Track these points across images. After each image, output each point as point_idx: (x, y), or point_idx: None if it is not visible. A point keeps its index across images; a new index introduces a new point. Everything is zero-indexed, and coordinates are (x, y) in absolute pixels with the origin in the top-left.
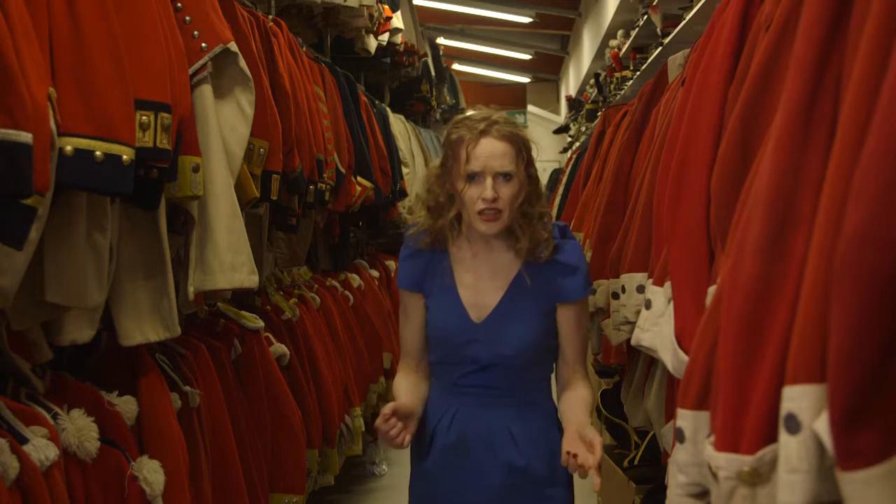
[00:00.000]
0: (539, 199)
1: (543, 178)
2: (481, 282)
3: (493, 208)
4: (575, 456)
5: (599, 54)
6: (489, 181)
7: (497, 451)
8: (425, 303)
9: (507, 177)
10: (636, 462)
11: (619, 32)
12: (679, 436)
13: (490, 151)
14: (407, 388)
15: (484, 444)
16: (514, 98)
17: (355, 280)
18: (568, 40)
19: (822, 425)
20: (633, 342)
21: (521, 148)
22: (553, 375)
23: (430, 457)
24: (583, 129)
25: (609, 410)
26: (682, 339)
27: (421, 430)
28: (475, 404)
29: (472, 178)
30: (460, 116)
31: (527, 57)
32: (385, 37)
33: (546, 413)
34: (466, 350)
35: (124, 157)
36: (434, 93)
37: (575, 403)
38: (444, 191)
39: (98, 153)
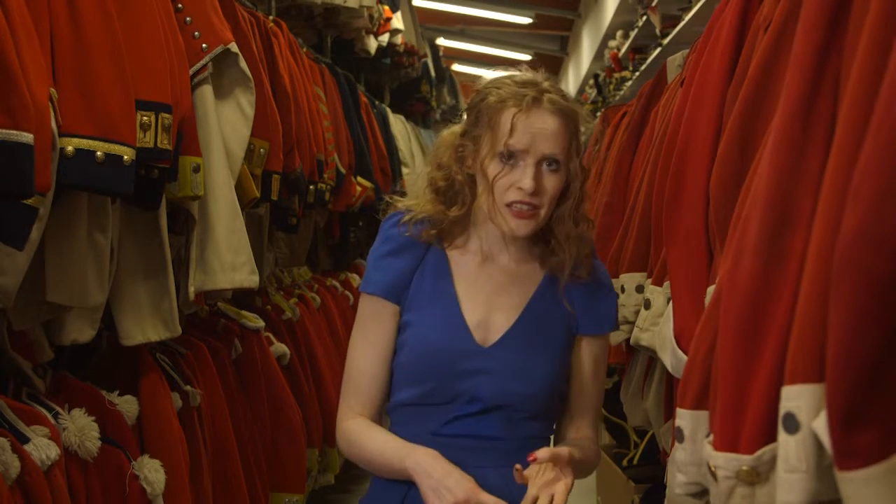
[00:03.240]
0: (585, 199)
1: None
2: (491, 295)
3: (530, 203)
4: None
5: (599, 55)
6: (531, 166)
7: None
8: (402, 320)
9: (554, 164)
10: (635, 461)
11: (619, 33)
12: (678, 435)
13: (541, 127)
14: (394, 437)
15: None
16: None
17: (355, 280)
18: (567, 41)
19: (820, 425)
20: (632, 342)
21: (576, 130)
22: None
23: None
24: (582, 129)
25: (608, 410)
26: (681, 338)
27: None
28: (462, 461)
29: (510, 158)
30: (495, 77)
31: (526, 58)
32: (385, 37)
33: None
34: (465, 383)
35: (125, 157)
36: (434, 93)
37: (580, 450)
38: (464, 169)
39: (99, 153)
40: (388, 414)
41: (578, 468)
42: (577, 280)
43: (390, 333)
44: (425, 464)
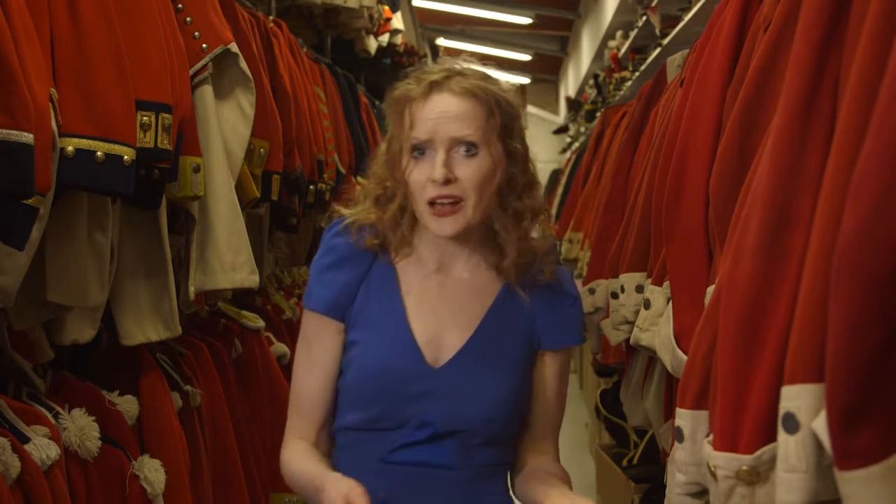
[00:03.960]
0: (532, 188)
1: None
2: (443, 310)
3: (449, 196)
4: None
5: (598, 55)
6: (441, 154)
7: None
8: (347, 338)
9: (469, 148)
10: (635, 461)
11: (618, 33)
12: (678, 435)
13: (443, 111)
14: (320, 462)
15: None
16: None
17: None
18: (567, 41)
19: (820, 424)
20: (631, 342)
21: (495, 109)
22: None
23: None
24: (582, 129)
25: (608, 410)
26: (680, 338)
27: None
28: (411, 490)
29: (420, 152)
30: (411, 70)
31: (526, 58)
32: (385, 38)
33: None
34: (413, 407)
35: (125, 157)
36: None
37: (551, 479)
38: (396, 175)
39: (99, 153)
40: (333, 436)
41: None
42: (538, 289)
43: (334, 352)
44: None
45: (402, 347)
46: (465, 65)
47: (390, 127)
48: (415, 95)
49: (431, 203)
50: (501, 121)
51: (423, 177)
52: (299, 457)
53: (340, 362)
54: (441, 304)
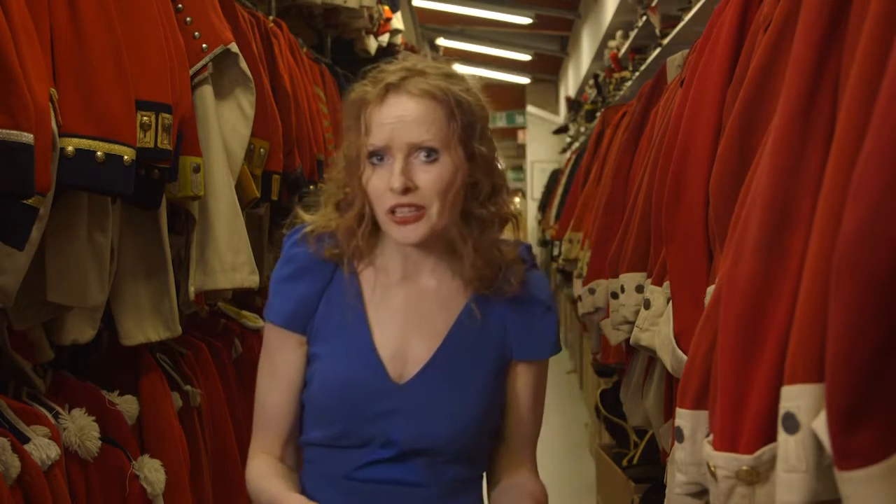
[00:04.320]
0: (497, 194)
1: (543, 179)
2: (408, 321)
3: (409, 204)
4: None
5: (598, 55)
6: (399, 161)
7: None
8: (309, 351)
9: (429, 154)
10: (635, 461)
11: (618, 33)
12: (678, 435)
13: (399, 115)
14: (283, 479)
15: None
16: (513, 99)
17: None
18: (567, 41)
19: (820, 424)
20: (631, 342)
21: (456, 111)
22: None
23: None
24: (582, 129)
25: (608, 410)
26: (680, 338)
27: None
28: None
29: (378, 158)
30: (369, 69)
31: (526, 58)
32: (385, 38)
33: None
34: (377, 425)
35: (125, 157)
36: None
37: (525, 501)
38: (352, 181)
39: (99, 153)
40: (301, 448)
41: None
42: (509, 298)
43: (297, 364)
44: None
45: (364, 362)
46: (428, 62)
47: (346, 133)
48: (370, 98)
49: (392, 211)
50: (463, 123)
51: (382, 184)
52: (263, 473)
53: (304, 374)
54: (406, 315)
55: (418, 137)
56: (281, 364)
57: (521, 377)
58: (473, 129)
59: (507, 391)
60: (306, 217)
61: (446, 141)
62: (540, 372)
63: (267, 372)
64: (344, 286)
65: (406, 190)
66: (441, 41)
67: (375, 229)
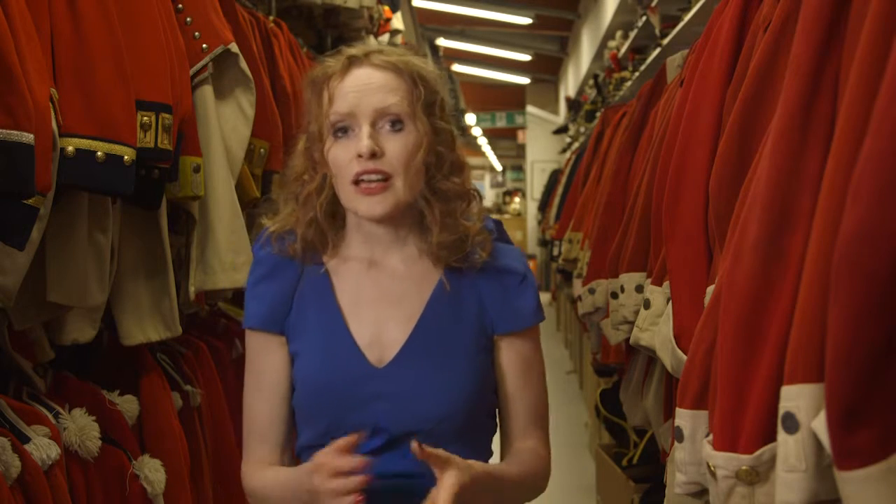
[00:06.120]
0: (460, 170)
1: (543, 179)
2: (381, 306)
3: (376, 171)
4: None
5: (598, 55)
6: (366, 127)
7: None
8: (290, 350)
9: (395, 123)
10: (635, 461)
11: (618, 33)
12: (678, 435)
13: (365, 83)
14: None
15: None
16: (513, 99)
17: None
18: (567, 41)
19: (819, 424)
20: (631, 342)
21: (419, 82)
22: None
23: None
24: (582, 129)
25: (608, 410)
26: (680, 338)
27: None
28: None
29: (342, 131)
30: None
31: (526, 58)
32: (385, 38)
33: None
34: (362, 413)
35: (125, 157)
36: None
37: (508, 464)
38: (313, 163)
39: (99, 153)
40: (298, 460)
41: (508, 485)
42: (482, 271)
43: (281, 367)
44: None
45: (342, 351)
46: (388, 46)
47: (308, 113)
48: (333, 71)
49: (357, 182)
50: (426, 95)
51: (347, 154)
52: (267, 474)
53: (290, 378)
54: (378, 301)
55: (383, 102)
56: (265, 370)
57: (507, 351)
58: (435, 104)
59: (496, 368)
60: (267, 222)
61: (411, 110)
62: (526, 344)
63: (253, 381)
64: (314, 281)
65: (373, 154)
66: (441, 41)
67: (337, 223)
